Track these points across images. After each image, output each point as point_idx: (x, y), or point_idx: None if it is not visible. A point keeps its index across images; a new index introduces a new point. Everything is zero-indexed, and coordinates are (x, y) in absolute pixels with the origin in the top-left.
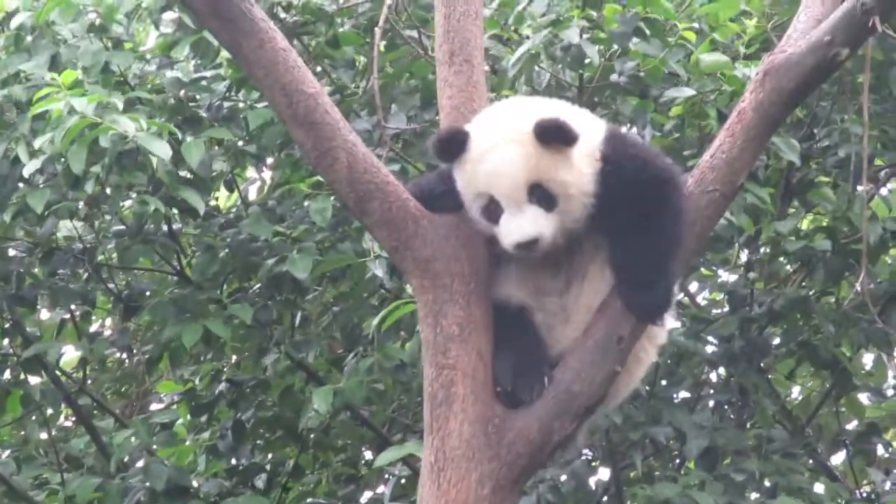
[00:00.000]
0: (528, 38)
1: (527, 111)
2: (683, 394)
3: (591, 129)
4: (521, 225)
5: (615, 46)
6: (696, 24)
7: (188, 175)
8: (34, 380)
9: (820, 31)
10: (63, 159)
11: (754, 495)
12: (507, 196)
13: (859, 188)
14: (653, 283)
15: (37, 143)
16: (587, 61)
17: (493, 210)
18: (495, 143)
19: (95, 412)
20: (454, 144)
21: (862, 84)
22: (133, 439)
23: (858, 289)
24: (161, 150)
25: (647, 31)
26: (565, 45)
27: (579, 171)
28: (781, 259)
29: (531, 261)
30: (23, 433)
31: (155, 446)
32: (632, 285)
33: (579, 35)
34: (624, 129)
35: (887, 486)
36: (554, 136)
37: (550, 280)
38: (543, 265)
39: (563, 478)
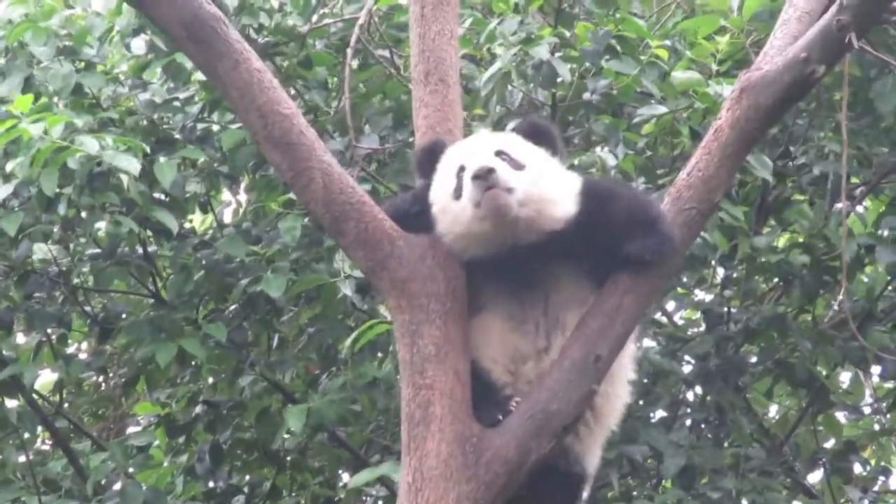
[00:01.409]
0: (498, 57)
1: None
2: (660, 413)
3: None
4: (480, 158)
5: (588, 65)
6: (668, 42)
7: (162, 196)
8: (11, 403)
9: (797, 48)
10: (36, 183)
11: None
12: (475, 156)
13: (836, 205)
14: (650, 226)
15: (8, 167)
16: (559, 80)
17: (461, 180)
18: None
19: (73, 435)
20: (435, 153)
21: (839, 101)
22: (109, 462)
23: (836, 307)
24: (130, 166)
25: (620, 50)
26: (536, 64)
27: (558, 175)
28: (758, 277)
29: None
30: (0, 456)
31: (132, 469)
32: (634, 238)
33: (550, 53)
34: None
35: (865, 503)
36: (540, 135)
37: (530, 341)
38: (521, 322)
39: None
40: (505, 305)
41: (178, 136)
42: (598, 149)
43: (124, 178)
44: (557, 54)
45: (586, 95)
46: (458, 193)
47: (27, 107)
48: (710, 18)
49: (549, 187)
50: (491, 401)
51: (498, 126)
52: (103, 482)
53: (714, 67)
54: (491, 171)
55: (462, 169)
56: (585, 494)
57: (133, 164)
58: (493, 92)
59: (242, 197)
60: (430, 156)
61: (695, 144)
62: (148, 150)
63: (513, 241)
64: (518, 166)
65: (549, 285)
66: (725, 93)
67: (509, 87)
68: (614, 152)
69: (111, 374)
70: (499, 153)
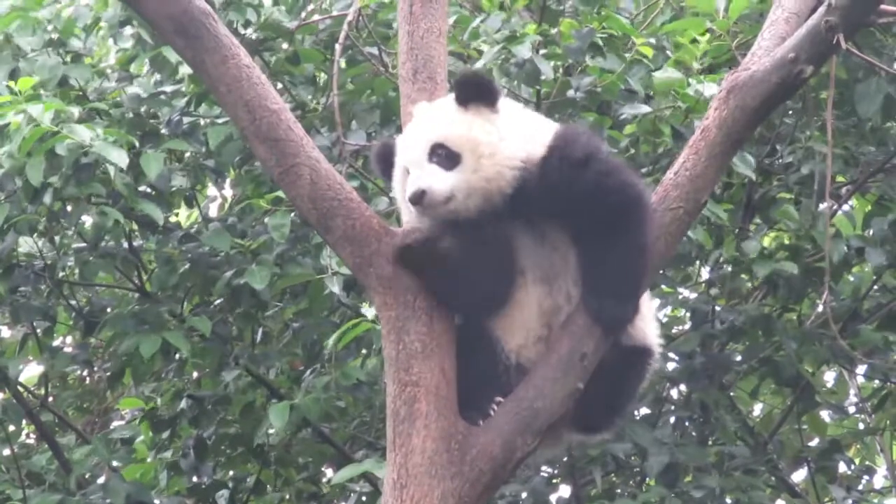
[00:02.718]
0: (482, 53)
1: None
2: (644, 410)
3: (543, 122)
4: (413, 180)
5: (571, 62)
6: (652, 40)
7: (148, 189)
8: None
9: (784, 49)
10: (22, 173)
11: None
12: (413, 162)
13: (822, 205)
14: (622, 296)
15: None
16: (542, 77)
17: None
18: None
19: (58, 428)
20: (386, 155)
21: (825, 101)
22: (94, 456)
23: (820, 307)
24: (118, 159)
25: (604, 47)
26: (519, 62)
27: (500, 134)
28: (743, 276)
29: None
30: None
31: (118, 464)
32: (600, 297)
33: (533, 51)
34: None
35: (849, 503)
36: (473, 93)
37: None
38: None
39: (524, 495)
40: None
41: (164, 129)
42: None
43: (111, 169)
44: (541, 52)
45: (571, 93)
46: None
47: (26, 87)
48: (696, 21)
49: (491, 159)
50: (473, 400)
51: None
52: (87, 476)
53: (695, 66)
54: (422, 195)
55: (406, 172)
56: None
57: (122, 157)
58: None
59: (228, 192)
60: (383, 158)
61: (677, 143)
62: (135, 141)
63: (479, 211)
64: (454, 159)
65: (547, 233)
66: (707, 92)
67: None
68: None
69: (96, 368)
70: (434, 150)
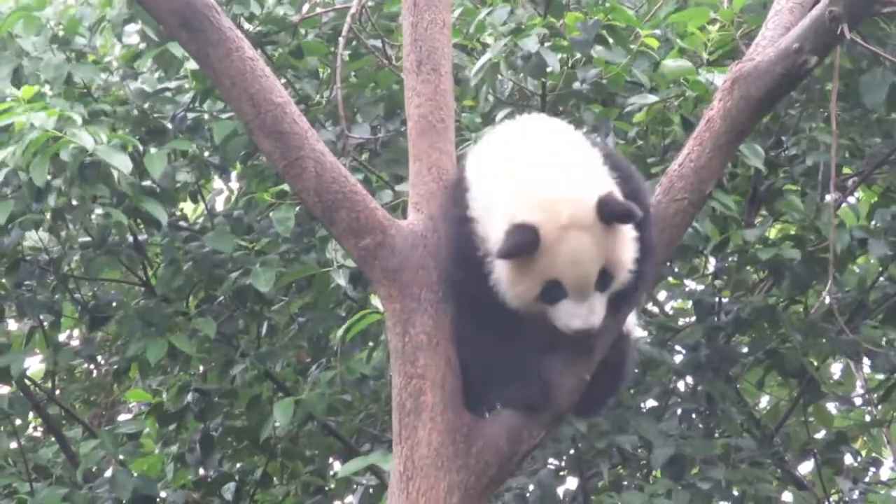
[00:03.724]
0: (489, 46)
1: (567, 173)
2: (651, 402)
3: (599, 163)
4: (584, 313)
5: (577, 54)
6: (657, 31)
7: (152, 186)
8: (3, 389)
9: (788, 39)
10: (26, 171)
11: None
12: (577, 285)
13: (827, 197)
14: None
15: None
16: (548, 70)
17: (552, 292)
18: (565, 232)
19: (64, 421)
20: (531, 241)
21: (830, 92)
22: (100, 450)
23: (826, 300)
24: (121, 163)
25: (609, 39)
26: (525, 55)
27: (630, 241)
28: (749, 268)
29: None
30: None
31: (123, 457)
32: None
33: (539, 43)
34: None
35: (855, 495)
36: (618, 218)
37: None
38: None
39: (531, 487)
40: None
41: (168, 125)
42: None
43: (115, 172)
44: (547, 44)
45: (576, 85)
46: (544, 299)
47: (28, 94)
48: (700, 11)
49: (627, 278)
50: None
51: (487, 118)
52: (94, 469)
53: (704, 56)
54: (592, 329)
55: (557, 286)
56: None
57: (125, 162)
58: (483, 82)
59: (234, 185)
60: (527, 245)
61: (686, 133)
62: (139, 144)
63: None
64: (609, 283)
65: None
66: (717, 81)
67: (499, 77)
68: (605, 141)
69: (102, 362)
70: (600, 274)
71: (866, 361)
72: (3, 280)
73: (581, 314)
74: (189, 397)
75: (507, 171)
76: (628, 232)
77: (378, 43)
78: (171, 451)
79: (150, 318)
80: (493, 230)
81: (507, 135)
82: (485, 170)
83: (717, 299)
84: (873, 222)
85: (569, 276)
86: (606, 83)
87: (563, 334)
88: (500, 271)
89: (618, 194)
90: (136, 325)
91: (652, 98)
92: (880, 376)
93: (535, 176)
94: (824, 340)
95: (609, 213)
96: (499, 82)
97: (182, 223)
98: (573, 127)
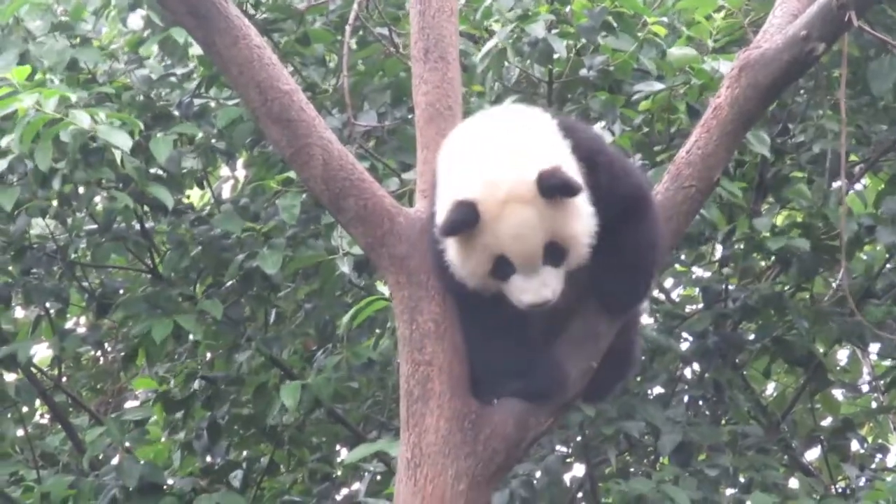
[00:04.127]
0: (495, 33)
1: (514, 152)
2: (658, 389)
3: (557, 143)
4: (535, 287)
5: (584, 41)
6: (664, 19)
7: (159, 172)
8: (9, 377)
9: (796, 27)
10: (31, 158)
11: (729, 491)
12: (523, 259)
13: (835, 184)
14: (634, 284)
15: (3, 142)
16: (555, 56)
17: (501, 268)
18: (504, 206)
19: (71, 409)
20: (469, 218)
21: (837, 79)
22: (106, 437)
23: (835, 285)
24: (122, 142)
25: (616, 26)
26: (532, 41)
27: (584, 215)
28: (756, 255)
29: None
30: None
31: (129, 444)
32: (611, 285)
33: (546, 30)
34: (574, 120)
35: (862, 481)
36: (559, 191)
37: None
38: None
39: (538, 473)
40: None
41: (174, 111)
42: (596, 126)
43: (118, 153)
44: (554, 31)
45: (583, 72)
46: (495, 275)
47: (23, 77)
48: None
49: (585, 253)
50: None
51: (495, 103)
52: (101, 457)
53: (710, 44)
54: (546, 302)
55: (505, 261)
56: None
57: (126, 140)
58: (489, 68)
59: (240, 172)
60: (465, 221)
61: (692, 121)
62: (143, 126)
63: None
64: (561, 257)
65: None
66: (723, 69)
67: (506, 64)
68: (611, 129)
69: (109, 349)
70: (547, 248)
71: (873, 348)
72: (10, 267)
73: (531, 288)
74: (196, 385)
75: (461, 158)
76: (580, 205)
77: (385, 31)
78: (178, 438)
79: (156, 301)
80: (440, 212)
81: (474, 125)
82: (447, 162)
83: (724, 286)
84: (880, 210)
85: (513, 251)
86: (613, 70)
87: (567, 321)
88: (451, 250)
89: (566, 169)
90: (142, 307)
91: (658, 86)
92: (887, 363)
93: (482, 157)
94: (832, 325)
95: (548, 187)
96: (505, 69)
97: (186, 209)
98: (548, 115)
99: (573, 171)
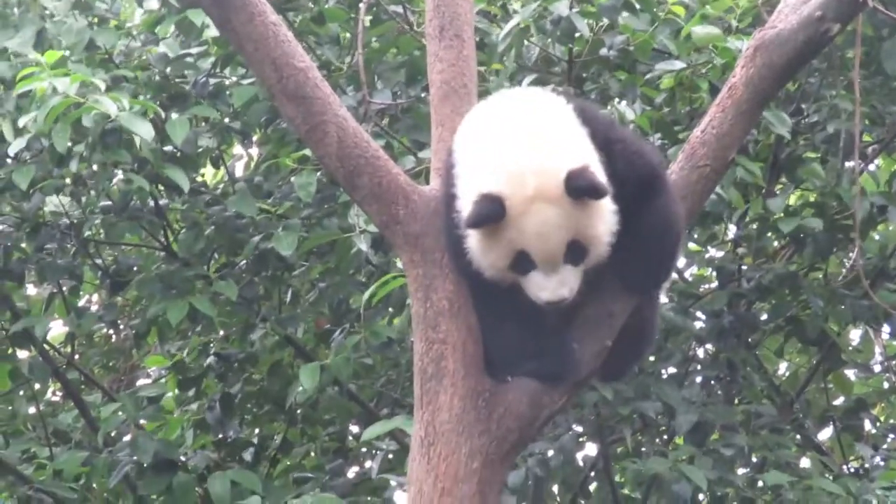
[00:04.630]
0: (516, 12)
1: (540, 145)
2: (672, 369)
3: (580, 134)
4: (553, 286)
5: (604, 20)
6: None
7: (174, 151)
8: (22, 354)
9: (811, 7)
10: (48, 137)
11: (742, 470)
12: (544, 257)
13: (848, 164)
14: (656, 264)
15: (21, 122)
16: (577, 35)
17: (521, 263)
18: (531, 203)
19: (84, 386)
20: (495, 213)
21: (851, 59)
22: (120, 413)
23: (848, 264)
24: (144, 130)
25: (637, 6)
26: (555, 19)
27: (607, 214)
28: (770, 234)
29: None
30: (11, 408)
31: (142, 420)
32: (634, 264)
33: (569, 8)
34: (588, 104)
35: (875, 461)
36: (587, 193)
37: None
38: None
39: (551, 452)
40: None
41: (190, 90)
42: (615, 102)
43: (137, 138)
44: (575, 9)
45: (603, 51)
46: (514, 269)
47: (52, 59)
48: None
49: (605, 252)
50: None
51: (513, 84)
52: (114, 434)
53: (733, 23)
54: (563, 301)
55: (526, 257)
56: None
57: (148, 129)
58: (510, 47)
59: (254, 151)
60: (491, 215)
61: (713, 100)
62: (160, 110)
63: None
64: (582, 256)
65: None
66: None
67: (526, 43)
68: (632, 108)
69: (122, 327)
70: (569, 247)
71: (885, 329)
72: (24, 244)
73: (549, 286)
74: (209, 360)
75: (483, 145)
76: (605, 206)
77: (399, 9)
78: (190, 410)
79: (170, 282)
80: (465, 201)
81: (492, 109)
82: (466, 145)
83: (738, 266)
84: (894, 189)
85: (536, 248)
86: (633, 50)
87: (581, 302)
88: (472, 241)
89: (593, 169)
90: (157, 287)
91: (679, 65)
92: None
93: (508, 149)
94: (843, 307)
95: (576, 188)
96: (525, 48)
97: (202, 189)
98: (566, 101)
99: (598, 169)
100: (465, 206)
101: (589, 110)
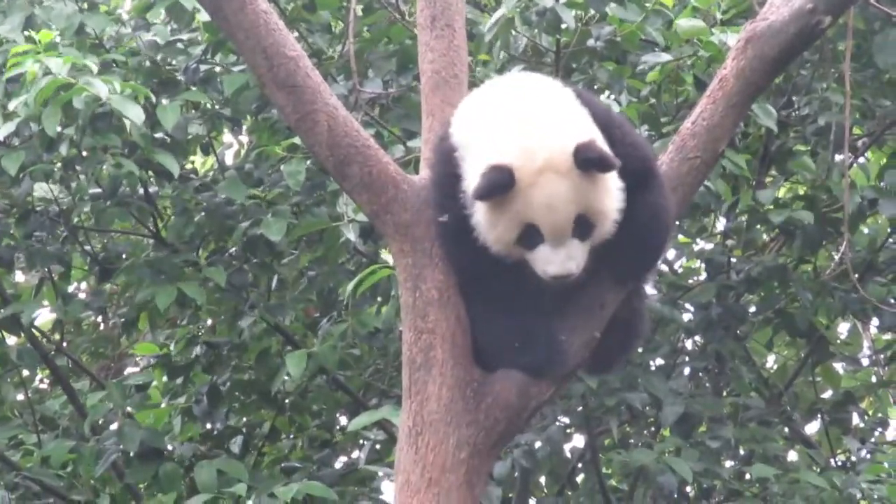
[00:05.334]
0: (503, 2)
1: (547, 120)
2: (660, 361)
3: (583, 113)
4: (561, 259)
5: (592, 11)
6: None
7: (164, 137)
8: (11, 340)
9: None
10: (38, 121)
11: (730, 462)
12: (553, 230)
13: (838, 157)
14: (644, 253)
15: (11, 106)
16: (563, 26)
17: (529, 236)
18: (540, 175)
19: (72, 373)
20: (505, 182)
21: (843, 52)
22: (108, 402)
23: (837, 258)
24: (134, 114)
25: None
26: (540, 10)
27: (614, 190)
28: (759, 227)
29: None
30: None
31: (130, 409)
32: (623, 252)
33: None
34: (585, 90)
35: (863, 454)
36: (595, 165)
37: None
38: None
39: (538, 443)
40: None
41: (180, 77)
42: (602, 96)
43: (128, 122)
44: (562, 0)
45: (590, 42)
46: (522, 243)
47: (46, 39)
48: None
49: (611, 229)
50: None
51: (502, 74)
52: (101, 421)
53: (718, 16)
54: (571, 275)
55: (534, 230)
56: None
57: (139, 112)
58: (496, 38)
59: (245, 139)
60: (501, 185)
61: (699, 93)
62: (151, 94)
63: None
64: (589, 231)
65: None
66: (730, 41)
67: (513, 33)
68: (618, 99)
69: (111, 314)
70: (578, 220)
71: (874, 322)
72: (14, 231)
73: (557, 260)
74: (197, 350)
75: (488, 125)
76: (611, 181)
77: None
78: (178, 402)
79: (159, 267)
80: (472, 177)
81: (492, 93)
82: (470, 128)
83: (727, 258)
84: (883, 183)
85: (544, 221)
86: (620, 41)
87: (572, 292)
88: (479, 214)
89: (600, 144)
90: (146, 273)
91: (666, 57)
92: (887, 337)
93: (516, 124)
94: (832, 300)
95: (585, 160)
96: (513, 38)
97: (191, 175)
98: (563, 84)
99: (604, 145)
100: (472, 181)
101: (586, 94)
